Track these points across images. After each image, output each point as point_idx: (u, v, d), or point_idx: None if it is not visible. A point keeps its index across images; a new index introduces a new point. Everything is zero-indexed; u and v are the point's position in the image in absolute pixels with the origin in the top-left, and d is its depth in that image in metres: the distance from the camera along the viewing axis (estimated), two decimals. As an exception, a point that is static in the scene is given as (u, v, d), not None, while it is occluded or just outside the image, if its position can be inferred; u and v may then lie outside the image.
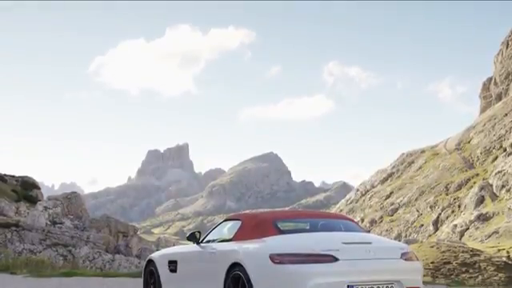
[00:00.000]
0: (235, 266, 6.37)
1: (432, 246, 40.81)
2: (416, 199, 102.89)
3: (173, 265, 7.98)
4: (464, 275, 34.02)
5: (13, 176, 38.72)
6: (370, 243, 6.35)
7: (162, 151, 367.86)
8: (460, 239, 73.34)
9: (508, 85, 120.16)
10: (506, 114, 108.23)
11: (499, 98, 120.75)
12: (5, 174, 38.07)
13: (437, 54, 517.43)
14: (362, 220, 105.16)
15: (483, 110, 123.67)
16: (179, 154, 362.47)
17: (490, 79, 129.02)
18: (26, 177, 39.46)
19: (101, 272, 19.09)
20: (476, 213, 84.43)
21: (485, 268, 35.93)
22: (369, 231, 7.85)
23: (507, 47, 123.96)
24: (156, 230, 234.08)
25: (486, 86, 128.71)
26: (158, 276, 8.23)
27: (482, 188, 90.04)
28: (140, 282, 9.34)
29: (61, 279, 14.68)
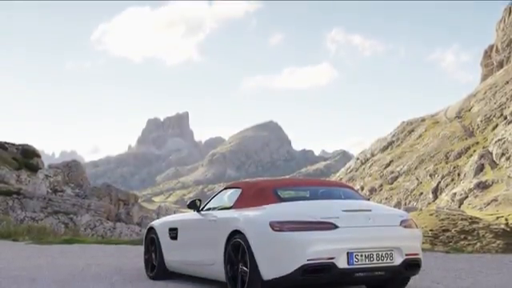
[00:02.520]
0: (235, 233, 6.40)
1: (431, 214, 41.07)
2: (416, 167, 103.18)
3: (173, 232, 8.02)
4: (463, 242, 34.30)
5: (13, 144, 38.66)
6: (369, 211, 6.36)
7: (161, 120, 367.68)
8: (459, 207, 73.74)
9: (510, 52, 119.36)
10: (507, 82, 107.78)
11: (500, 65, 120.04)
12: (5, 142, 38.01)
13: (442, 22, 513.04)
14: (362, 188, 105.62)
15: (484, 78, 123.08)
16: (179, 122, 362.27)
17: (491, 47, 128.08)
18: (27, 145, 39.38)
19: (102, 239, 19.24)
20: (475, 181, 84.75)
21: (483, 235, 36.21)
22: (368, 199, 7.86)
23: (510, 14, 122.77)
24: (156, 199, 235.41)
25: (487, 54, 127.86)
26: (159, 243, 8.28)
27: (481, 156, 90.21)
28: (141, 249, 9.40)
29: (62, 246, 14.80)
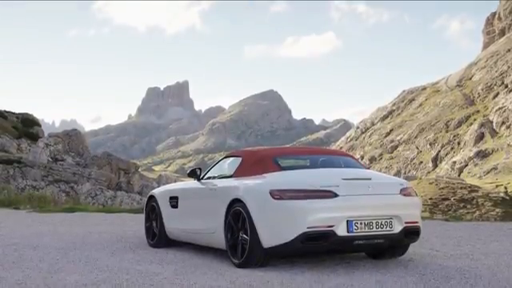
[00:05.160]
0: (236, 201, 6.41)
1: (431, 183, 41.18)
2: (416, 136, 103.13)
3: (174, 201, 8.04)
4: (462, 211, 34.46)
5: (13, 113, 38.59)
6: (369, 179, 6.37)
7: (161, 89, 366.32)
8: (459, 176, 73.95)
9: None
10: (509, 50, 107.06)
11: (502, 33, 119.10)
12: (5, 111, 37.93)
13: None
14: (362, 157, 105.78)
15: (486, 46, 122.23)
16: (179, 91, 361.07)
17: (493, 14, 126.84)
18: (26, 114, 39.30)
19: (103, 208, 19.34)
20: (475, 149, 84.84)
21: (482, 203, 36.36)
22: (368, 168, 7.86)
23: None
24: (157, 168, 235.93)
25: (489, 22, 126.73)
26: (160, 212, 8.30)
27: (481, 125, 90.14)
28: (142, 217, 9.45)
29: (63, 214, 14.87)
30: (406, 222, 6.25)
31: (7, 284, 5.29)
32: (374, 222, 6.05)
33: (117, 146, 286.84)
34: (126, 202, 24.36)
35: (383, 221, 6.10)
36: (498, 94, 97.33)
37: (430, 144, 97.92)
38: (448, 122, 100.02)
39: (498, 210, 35.26)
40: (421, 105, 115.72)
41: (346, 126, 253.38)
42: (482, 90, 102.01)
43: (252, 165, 6.87)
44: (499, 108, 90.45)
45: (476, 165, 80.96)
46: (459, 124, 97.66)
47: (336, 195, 5.95)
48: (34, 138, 34.98)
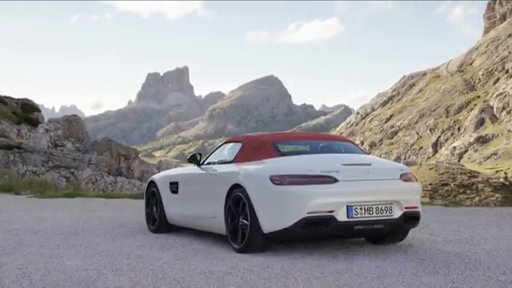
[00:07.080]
0: (236, 187, 6.42)
1: (431, 168, 41.08)
2: (416, 122, 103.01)
3: (174, 186, 8.04)
4: (461, 196, 34.46)
5: (12, 98, 38.50)
6: (369, 164, 6.36)
7: (161, 74, 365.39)
8: (459, 161, 73.94)
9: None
10: (510, 35, 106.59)
11: (504, 18, 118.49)
12: (5, 96, 37.85)
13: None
14: (362, 143, 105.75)
15: (487, 31, 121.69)
16: (179, 77, 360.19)
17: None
18: (26, 99, 39.23)
19: (103, 193, 19.38)
20: (475, 135, 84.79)
21: (482, 189, 36.35)
22: (369, 153, 7.86)
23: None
24: (157, 154, 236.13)
25: (490, 6, 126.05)
26: (160, 197, 8.31)
27: (482, 110, 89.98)
28: (142, 203, 9.46)
29: (64, 200, 14.91)
30: (406, 208, 6.26)
31: (8, 269, 5.30)
32: (373, 207, 6.06)
33: (117, 132, 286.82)
34: (126, 188, 24.38)
35: (383, 206, 6.11)
36: (498, 79, 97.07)
37: (430, 129, 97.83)
38: (448, 107, 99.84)
39: (497, 195, 35.26)
40: (421, 90, 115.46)
41: (346, 111, 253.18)
42: (483, 75, 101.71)
43: (252, 150, 6.86)
44: (500, 93, 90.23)
45: (476, 150, 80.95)
46: (459, 109, 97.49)
47: (336, 180, 5.96)
48: (34, 123, 34.95)
